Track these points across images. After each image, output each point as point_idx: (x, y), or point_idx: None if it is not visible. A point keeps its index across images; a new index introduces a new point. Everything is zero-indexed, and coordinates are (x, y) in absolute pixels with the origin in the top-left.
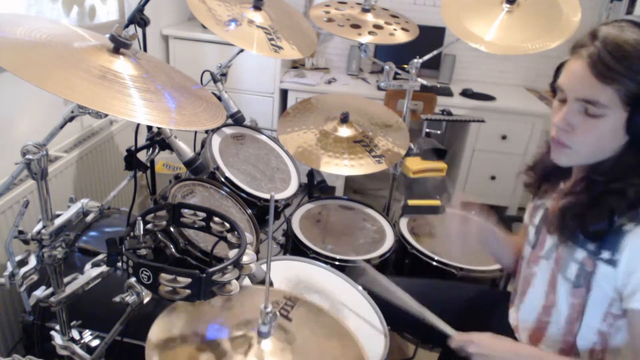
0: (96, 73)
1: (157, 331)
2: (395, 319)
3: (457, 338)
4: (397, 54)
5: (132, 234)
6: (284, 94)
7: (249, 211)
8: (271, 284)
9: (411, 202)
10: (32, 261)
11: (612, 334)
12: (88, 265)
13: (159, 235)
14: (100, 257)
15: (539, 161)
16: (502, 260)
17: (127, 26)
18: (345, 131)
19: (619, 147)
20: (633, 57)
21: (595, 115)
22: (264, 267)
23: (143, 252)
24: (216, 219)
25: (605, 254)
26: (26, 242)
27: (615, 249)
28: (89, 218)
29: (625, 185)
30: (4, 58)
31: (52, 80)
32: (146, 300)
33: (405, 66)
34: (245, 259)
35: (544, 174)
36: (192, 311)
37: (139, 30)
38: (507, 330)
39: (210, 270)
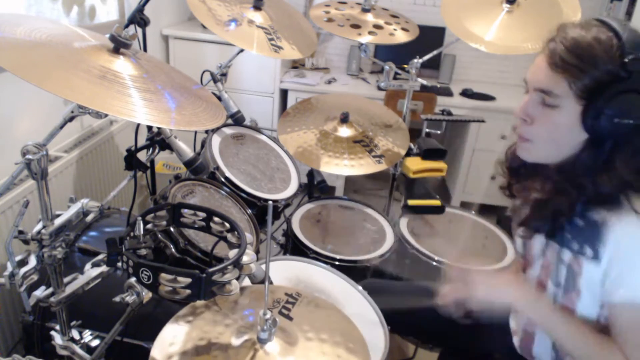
0: (96, 73)
1: (159, 349)
2: (395, 319)
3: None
4: (397, 54)
5: (132, 234)
6: (284, 94)
7: (249, 211)
8: (271, 283)
9: (411, 202)
10: (32, 261)
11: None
12: (88, 265)
13: (159, 235)
14: (100, 257)
15: (511, 158)
16: None
17: (127, 26)
18: (345, 131)
19: (577, 145)
20: (587, 51)
21: (551, 106)
22: (263, 267)
23: (143, 252)
24: (216, 219)
25: (588, 250)
26: (26, 242)
27: (597, 243)
28: (89, 218)
29: (570, 186)
30: (3, 58)
31: (52, 80)
32: (146, 300)
33: (405, 66)
34: (245, 259)
35: (510, 172)
36: (196, 324)
37: (139, 30)
38: (508, 331)
39: (210, 270)
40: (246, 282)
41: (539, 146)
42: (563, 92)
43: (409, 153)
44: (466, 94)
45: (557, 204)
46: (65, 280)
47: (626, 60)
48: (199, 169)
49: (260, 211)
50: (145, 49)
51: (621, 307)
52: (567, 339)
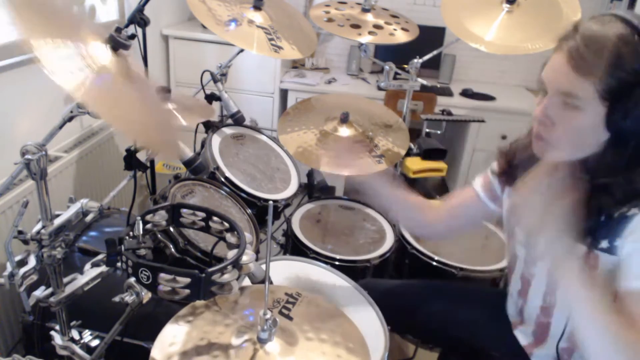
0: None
1: (159, 349)
2: (395, 319)
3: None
4: (397, 54)
5: (131, 234)
6: (284, 94)
7: (249, 211)
8: (271, 283)
9: None
10: (32, 261)
11: None
12: (88, 265)
13: (159, 235)
14: (99, 257)
15: (516, 150)
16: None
17: (127, 26)
18: (345, 131)
19: (600, 144)
20: (611, 51)
21: (574, 109)
22: (263, 267)
23: (142, 252)
24: (216, 218)
25: (604, 244)
26: (26, 242)
27: (615, 235)
28: (89, 218)
29: (610, 181)
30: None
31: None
32: (145, 300)
33: (405, 66)
34: (244, 259)
35: (519, 165)
36: (196, 324)
37: (139, 30)
38: (507, 330)
39: (210, 270)
40: (246, 282)
41: (559, 147)
42: (587, 95)
43: (409, 153)
44: (466, 94)
45: (599, 202)
46: (65, 280)
47: None
48: (199, 169)
49: (260, 211)
50: (145, 49)
51: (638, 294)
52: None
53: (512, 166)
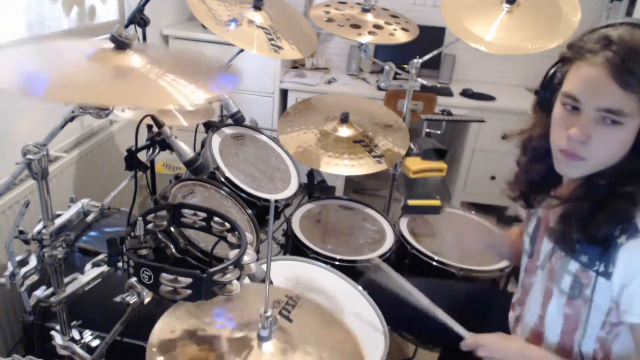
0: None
1: (158, 334)
2: (395, 319)
3: (469, 341)
4: (397, 54)
5: (132, 234)
6: (284, 94)
7: (249, 211)
8: (271, 282)
9: (411, 202)
10: (33, 261)
11: (611, 339)
12: (88, 265)
13: (160, 235)
14: (100, 257)
15: (522, 174)
16: (504, 256)
17: (127, 26)
18: (345, 131)
19: (618, 158)
20: None
21: (614, 124)
22: (264, 267)
23: (144, 252)
24: (216, 219)
25: (601, 266)
26: (27, 242)
27: (608, 261)
28: (89, 218)
29: (634, 189)
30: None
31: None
32: (147, 300)
33: (405, 66)
34: (245, 259)
35: (531, 186)
36: (194, 312)
37: (139, 30)
38: (506, 330)
39: (211, 270)
40: (246, 281)
41: (593, 163)
42: (632, 110)
43: (409, 153)
44: (466, 94)
45: (619, 207)
46: (66, 280)
47: None
48: (199, 169)
49: (260, 211)
50: None
51: (637, 327)
52: None
53: (523, 190)
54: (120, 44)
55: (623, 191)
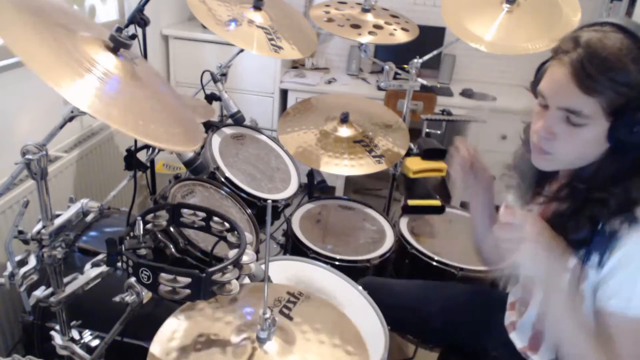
0: (78, 59)
1: (159, 341)
2: (395, 319)
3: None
4: (397, 54)
5: (132, 234)
6: (284, 94)
7: (249, 211)
8: (270, 281)
9: (411, 202)
10: (32, 261)
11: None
12: (88, 265)
13: (159, 235)
14: (100, 257)
15: (519, 163)
16: (486, 239)
17: (127, 26)
18: (345, 131)
19: (600, 154)
20: (617, 68)
21: (578, 125)
22: (264, 267)
23: (143, 252)
24: (216, 218)
25: (595, 258)
26: (26, 242)
27: (605, 252)
28: (89, 218)
29: (607, 194)
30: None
31: (37, 58)
32: (146, 300)
33: (405, 66)
34: (245, 258)
35: (522, 177)
36: (194, 316)
37: (139, 30)
38: (503, 332)
39: (210, 270)
40: (246, 281)
41: (560, 158)
42: (592, 112)
43: (409, 153)
44: (466, 94)
45: (592, 213)
46: (65, 280)
47: None
48: (199, 169)
49: (260, 211)
50: (145, 49)
51: (613, 316)
52: (575, 337)
53: (520, 179)
54: (119, 44)
55: (596, 197)
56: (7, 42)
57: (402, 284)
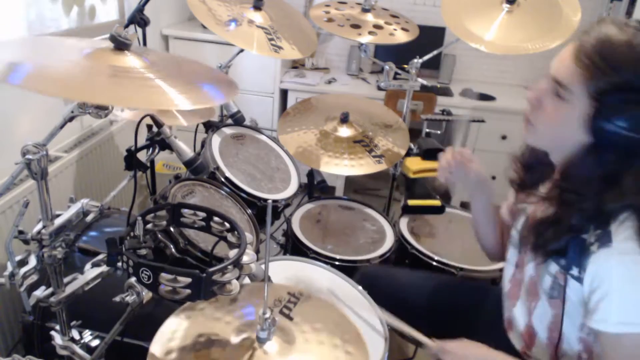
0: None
1: (159, 341)
2: (393, 312)
3: (434, 347)
4: (397, 54)
5: (132, 234)
6: (284, 94)
7: (249, 211)
8: (270, 281)
9: (411, 202)
10: (32, 261)
11: (592, 341)
12: (88, 265)
13: (159, 235)
14: (100, 257)
15: (525, 152)
16: (487, 237)
17: (127, 26)
18: (345, 131)
19: (580, 146)
20: (614, 54)
21: (563, 99)
22: (264, 267)
23: (143, 252)
24: (216, 218)
25: (574, 271)
26: (26, 242)
27: (581, 267)
28: (89, 218)
29: (581, 200)
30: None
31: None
32: (146, 300)
33: (405, 66)
34: (245, 258)
35: (523, 169)
36: (195, 316)
37: (139, 30)
38: (503, 331)
39: (211, 270)
40: (246, 281)
41: (540, 132)
42: (577, 89)
43: (409, 153)
44: (466, 94)
45: (569, 220)
46: (65, 280)
47: None
48: (199, 169)
49: (260, 211)
50: None
51: (598, 332)
52: None
53: (525, 169)
54: (120, 44)
55: (571, 201)
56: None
57: (402, 276)
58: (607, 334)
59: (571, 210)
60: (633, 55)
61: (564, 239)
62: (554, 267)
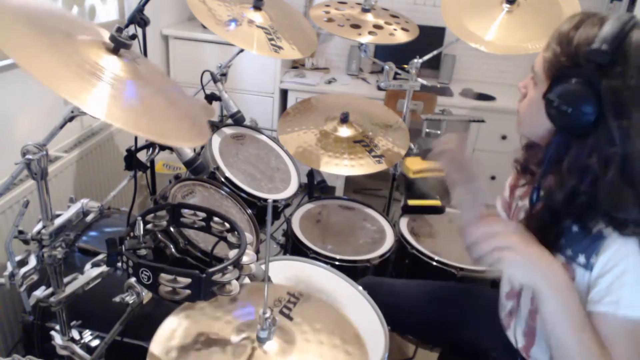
0: (86, 67)
1: (159, 340)
2: (395, 319)
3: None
4: (397, 54)
5: (132, 234)
6: (284, 94)
7: (249, 211)
8: (270, 281)
9: (411, 202)
10: (32, 261)
11: None
12: (88, 265)
13: (159, 235)
14: (100, 257)
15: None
16: None
17: (127, 26)
18: (345, 131)
19: (546, 129)
20: (564, 35)
21: (533, 83)
22: (264, 267)
23: (143, 252)
24: (216, 219)
25: (582, 259)
26: (26, 242)
27: (591, 253)
28: (89, 218)
29: (563, 185)
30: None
31: (37, 64)
32: (146, 300)
33: (405, 66)
34: (245, 259)
35: (527, 158)
36: (194, 315)
37: (139, 30)
38: (502, 332)
39: (211, 270)
40: (246, 281)
41: (521, 118)
42: (538, 70)
43: (409, 153)
44: (466, 94)
45: (571, 211)
46: (65, 280)
47: (588, 49)
48: (199, 169)
49: (260, 211)
50: (145, 49)
51: (604, 316)
52: (577, 345)
53: (526, 158)
54: (119, 44)
55: (560, 192)
56: (19, 62)
57: (402, 284)
58: (616, 318)
59: (556, 196)
60: (581, 39)
61: (567, 229)
62: (559, 259)
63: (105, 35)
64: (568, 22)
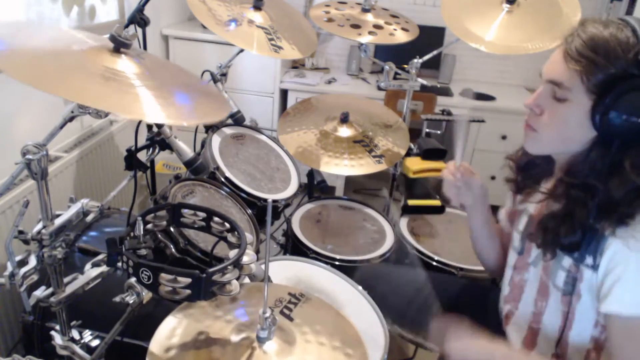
0: (101, 74)
1: (158, 339)
2: (395, 318)
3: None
4: (397, 54)
5: (132, 234)
6: (284, 94)
7: (249, 211)
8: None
9: (411, 202)
10: (32, 261)
11: (604, 340)
12: (88, 265)
13: (159, 235)
14: (100, 257)
15: (521, 152)
16: (488, 251)
17: (127, 26)
18: (345, 131)
19: (586, 142)
20: (602, 46)
21: (561, 100)
22: (264, 267)
23: (143, 252)
24: (216, 219)
25: (589, 260)
26: (26, 242)
27: (597, 253)
28: (89, 218)
29: (590, 193)
30: (14, 69)
31: (62, 85)
32: (146, 300)
33: (405, 66)
34: (245, 259)
35: (524, 168)
36: (196, 314)
37: (139, 30)
38: (502, 331)
39: (211, 270)
40: (246, 281)
41: (544, 137)
42: (574, 86)
43: (409, 153)
44: (466, 94)
45: (573, 214)
46: (65, 280)
47: None
48: (199, 169)
49: (260, 211)
50: (145, 49)
51: (610, 317)
52: None
53: (522, 170)
54: (120, 44)
55: (581, 196)
56: (69, 98)
57: (401, 274)
58: (620, 317)
59: (581, 203)
60: (619, 44)
61: (579, 232)
62: (567, 261)
63: (98, 38)
64: (593, 29)
